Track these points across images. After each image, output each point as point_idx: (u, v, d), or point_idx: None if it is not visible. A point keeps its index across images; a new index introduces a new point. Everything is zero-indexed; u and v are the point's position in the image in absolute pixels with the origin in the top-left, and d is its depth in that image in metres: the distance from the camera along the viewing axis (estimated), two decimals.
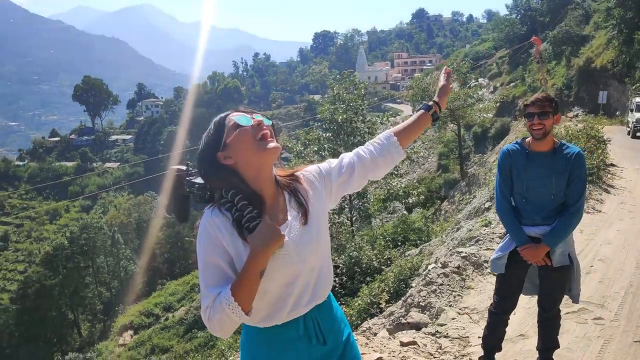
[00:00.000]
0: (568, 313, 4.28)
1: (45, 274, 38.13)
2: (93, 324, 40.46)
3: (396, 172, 15.12)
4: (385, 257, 9.38)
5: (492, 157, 20.35)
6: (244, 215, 1.50)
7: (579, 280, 3.10)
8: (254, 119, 1.58)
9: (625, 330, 3.99)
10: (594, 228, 6.80)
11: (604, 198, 8.38)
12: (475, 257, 5.65)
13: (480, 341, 3.49)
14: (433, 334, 4.27)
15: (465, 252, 5.80)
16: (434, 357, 3.90)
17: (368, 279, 8.36)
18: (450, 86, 2.07)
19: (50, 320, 36.41)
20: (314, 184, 1.71)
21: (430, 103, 1.95)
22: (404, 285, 6.51)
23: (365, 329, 5.25)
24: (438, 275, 5.36)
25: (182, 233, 45.81)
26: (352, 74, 16.24)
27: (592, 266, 5.38)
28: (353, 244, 10.25)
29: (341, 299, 7.81)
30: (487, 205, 9.06)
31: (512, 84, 37.31)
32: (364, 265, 8.94)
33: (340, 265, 8.92)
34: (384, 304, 6.27)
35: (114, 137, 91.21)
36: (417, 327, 4.55)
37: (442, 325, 4.42)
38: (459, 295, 5.05)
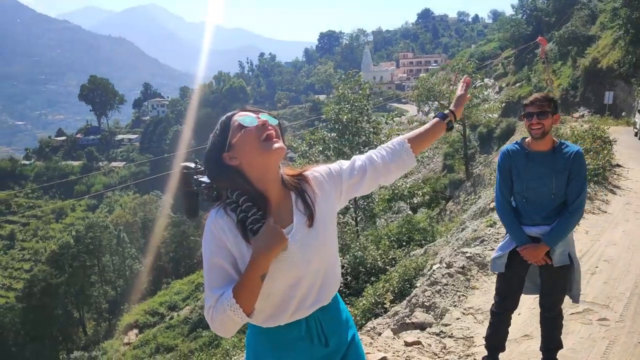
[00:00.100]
0: (573, 314, 4.27)
1: (51, 273, 38.38)
2: (98, 322, 40.65)
3: None
4: (390, 257, 9.38)
5: (498, 157, 20.28)
6: (248, 216, 1.49)
7: (579, 280, 3.10)
8: (259, 118, 1.56)
9: (630, 331, 3.98)
10: (599, 229, 6.77)
11: (610, 199, 8.34)
12: (480, 257, 5.64)
13: (484, 341, 3.50)
14: (437, 334, 4.27)
15: (470, 253, 5.79)
16: (439, 357, 3.90)
17: (372, 278, 8.36)
18: (468, 96, 2.06)
19: (55, 319, 36.63)
20: (323, 184, 1.69)
21: (446, 112, 1.96)
22: (408, 286, 6.51)
23: (369, 328, 5.25)
24: (443, 275, 5.36)
25: (188, 232, 45.98)
26: (357, 74, 16.25)
27: (597, 267, 5.36)
28: (358, 243, 10.25)
29: (345, 298, 7.81)
30: (492, 205, 9.04)
31: (517, 84, 37.22)
32: (369, 265, 8.94)
33: (345, 265, 8.92)
34: (389, 304, 6.27)
35: (120, 137, 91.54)
36: (422, 327, 4.55)
37: (446, 325, 4.42)
38: (463, 295, 5.04)
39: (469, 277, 5.34)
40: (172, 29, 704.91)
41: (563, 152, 2.89)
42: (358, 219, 14.09)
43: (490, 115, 23.26)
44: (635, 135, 17.79)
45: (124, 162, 78.67)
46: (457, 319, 4.52)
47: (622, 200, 8.32)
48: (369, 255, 9.23)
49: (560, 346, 3.22)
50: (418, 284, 6.00)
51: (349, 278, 8.65)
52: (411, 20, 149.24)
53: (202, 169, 1.66)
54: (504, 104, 28.77)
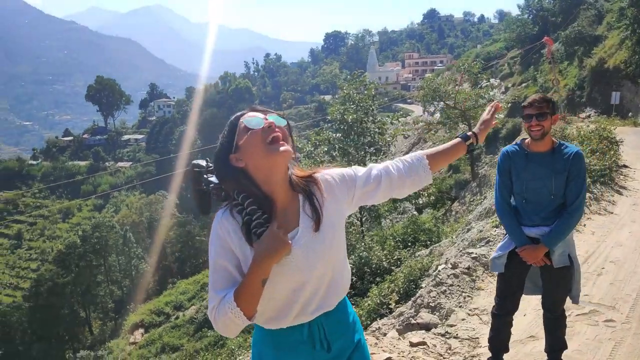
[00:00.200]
0: (579, 315, 4.26)
1: (58, 272, 38.58)
2: (104, 322, 40.81)
3: None
4: (395, 257, 9.38)
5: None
6: (252, 220, 1.49)
7: (579, 281, 3.10)
8: (266, 120, 1.55)
9: (636, 332, 3.97)
10: (605, 230, 6.75)
11: (616, 200, 8.30)
12: (486, 258, 5.64)
13: (487, 343, 3.51)
14: (443, 335, 4.28)
15: (476, 253, 5.79)
16: (444, 358, 3.91)
17: (378, 279, 8.37)
18: (495, 122, 2.03)
19: (62, 318, 36.81)
20: (333, 188, 1.66)
21: (469, 133, 1.93)
22: (413, 286, 6.51)
23: (374, 329, 5.27)
24: (448, 276, 5.37)
25: (193, 232, 46.14)
26: (362, 74, 16.24)
27: (603, 268, 5.34)
28: (363, 244, 10.26)
29: (351, 299, 7.81)
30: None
31: (523, 85, 37.08)
32: (374, 266, 8.95)
33: (350, 265, 8.91)
34: (394, 304, 6.28)
35: (126, 137, 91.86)
36: (427, 327, 4.56)
37: (451, 326, 4.43)
38: (469, 296, 5.05)
39: (474, 277, 5.34)
40: (178, 29, 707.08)
41: (562, 153, 2.90)
42: (363, 219, 14.09)
43: (496, 115, 23.16)
44: None
45: (130, 162, 78.96)
46: (463, 319, 4.52)
47: (629, 201, 8.27)
48: (374, 255, 9.23)
49: (565, 347, 3.22)
50: (423, 285, 6.01)
51: (354, 278, 8.66)
52: (417, 21, 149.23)
53: (212, 168, 1.66)
54: (509, 104, 28.64)
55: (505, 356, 3.40)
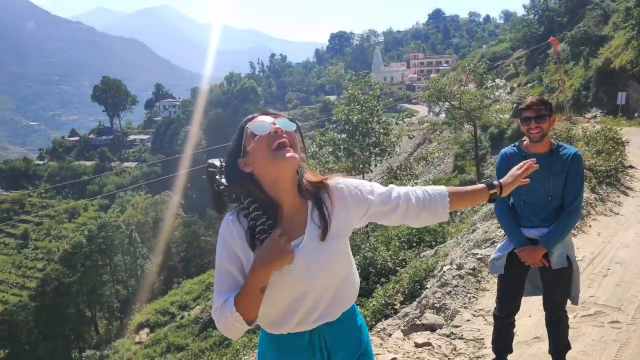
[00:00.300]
0: (584, 316, 4.26)
1: (64, 272, 38.70)
2: (110, 321, 40.94)
3: (411, 173, 15.09)
4: (400, 258, 9.37)
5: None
6: (257, 225, 1.49)
7: (578, 283, 3.11)
8: (274, 124, 1.53)
9: None
10: (611, 231, 6.73)
11: (622, 200, 8.28)
12: None
13: (491, 345, 3.51)
14: (448, 336, 4.28)
15: (481, 254, 5.79)
16: (449, 359, 3.91)
17: (382, 279, 8.36)
18: (525, 180, 1.93)
19: (68, 318, 36.94)
20: (346, 199, 1.63)
21: (495, 182, 1.86)
22: (418, 287, 6.51)
23: (379, 329, 5.28)
24: (453, 276, 5.37)
25: (198, 232, 46.23)
26: (367, 74, 16.24)
27: (609, 269, 5.33)
28: (368, 244, 10.26)
29: (356, 300, 7.80)
30: None
31: (529, 85, 36.93)
32: (379, 266, 8.94)
33: (355, 264, 8.92)
34: (399, 305, 6.28)
35: (132, 137, 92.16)
36: (432, 328, 4.57)
37: (456, 326, 4.43)
38: (474, 297, 5.05)
39: (479, 278, 5.34)
40: (184, 29, 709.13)
41: (561, 154, 2.92)
42: None
43: (501, 116, 23.11)
44: None
45: (136, 163, 79.22)
46: (468, 320, 4.53)
47: (635, 202, 8.25)
48: (379, 256, 9.23)
49: (568, 348, 3.22)
50: (428, 285, 6.01)
51: (359, 278, 8.64)
52: (422, 21, 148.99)
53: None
54: (515, 105, 28.56)
55: (509, 357, 3.40)
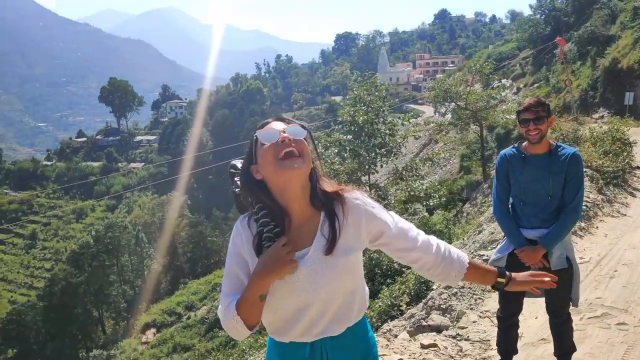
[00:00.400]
0: (591, 318, 4.25)
1: (72, 272, 38.93)
2: (117, 321, 41.11)
3: (417, 174, 15.08)
4: None
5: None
6: (264, 232, 1.49)
7: (579, 284, 3.10)
8: (282, 133, 1.51)
9: None
10: (618, 232, 6.70)
11: (630, 202, 8.24)
12: None
13: (496, 347, 3.51)
14: (454, 337, 4.28)
15: (487, 255, 5.78)
16: None
17: (388, 280, 8.37)
18: (534, 290, 1.78)
19: (75, 318, 37.12)
20: (360, 216, 1.57)
21: (508, 274, 1.74)
22: (424, 288, 6.51)
23: (385, 330, 5.28)
24: None
25: (205, 232, 46.35)
26: (373, 75, 16.24)
27: (616, 271, 5.31)
28: None
29: None
30: None
31: (535, 85, 36.78)
32: (385, 267, 8.94)
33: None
34: (405, 306, 6.28)
35: (138, 138, 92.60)
36: (438, 329, 4.57)
37: (463, 328, 4.43)
38: (480, 298, 5.04)
39: None
40: (190, 31, 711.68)
41: (559, 155, 2.92)
42: None
43: (507, 116, 23.04)
44: None
45: (143, 163, 79.55)
46: (474, 322, 4.53)
47: None
48: (385, 257, 9.23)
49: (574, 349, 3.21)
50: (434, 287, 6.01)
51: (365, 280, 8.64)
52: (428, 21, 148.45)
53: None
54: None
55: (515, 358, 3.40)
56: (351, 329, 1.61)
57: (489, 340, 4.13)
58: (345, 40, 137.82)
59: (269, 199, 1.52)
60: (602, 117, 23.50)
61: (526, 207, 3.00)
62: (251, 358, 10.30)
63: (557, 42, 26.84)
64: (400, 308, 6.27)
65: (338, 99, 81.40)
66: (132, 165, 79.87)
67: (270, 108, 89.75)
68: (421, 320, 4.88)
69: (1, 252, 57.82)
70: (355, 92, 14.62)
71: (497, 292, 5.01)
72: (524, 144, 3.03)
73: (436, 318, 4.76)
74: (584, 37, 31.97)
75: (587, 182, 8.26)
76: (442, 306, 5.02)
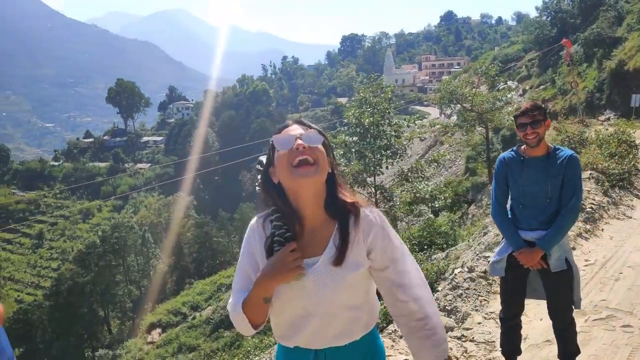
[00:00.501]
0: (596, 320, 4.26)
1: (78, 272, 39.12)
2: (122, 321, 41.21)
3: (423, 175, 15.07)
4: None
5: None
6: (275, 234, 1.49)
7: (579, 286, 3.11)
8: (298, 139, 1.49)
9: None
10: (624, 234, 6.69)
11: (635, 204, 8.21)
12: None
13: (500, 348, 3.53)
14: (459, 338, 4.29)
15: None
16: None
17: None
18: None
19: (81, 317, 37.22)
20: (370, 231, 1.53)
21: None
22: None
23: (391, 331, 5.29)
24: (464, 279, 5.37)
25: (210, 233, 46.49)
26: (379, 77, 16.22)
27: (621, 273, 5.30)
28: None
29: None
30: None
31: (541, 87, 36.67)
32: None
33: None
34: None
35: (145, 139, 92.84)
36: None
37: (468, 329, 4.44)
38: (485, 299, 5.05)
39: (490, 281, 5.34)
40: (197, 32, 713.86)
41: (557, 157, 2.94)
42: None
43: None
44: None
45: (149, 164, 79.70)
46: (479, 323, 4.53)
47: None
48: None
49: (578, 352, 3.21)
50: (439, 288, 6.01)
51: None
52: (434, 23, 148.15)
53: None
54: None
55: (519, 359, 3.42)
56: (357, 342, 1.57)
57: (493, 341, 4.14)
58: (351, 42, 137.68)
59: (284, 203, 1.52)
60: (609, 119, 23.39)
61: (525, 210, 3.02)
62: (256, 358, 10.33)
63: (563, 44, 26.78)
64: None
65: (344, 100, 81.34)
66: (139, 165, 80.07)
67: (276, 109, 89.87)
68: None
69: (8, 251, 58.13)
70: (361, 94, 14.61)
71: None
72: (522, 147, 3.06)
73: (441, 319, 4.76)
74: (590, 39, 31.86)
75: (592, 185, 8.26)
76: (447, 307, 5.04)
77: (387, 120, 14.19)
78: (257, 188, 1.62)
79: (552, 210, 2.96)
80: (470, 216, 17.92)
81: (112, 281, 40.66)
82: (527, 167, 2.99)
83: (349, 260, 1.49)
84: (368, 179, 13.91)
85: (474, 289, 5.21)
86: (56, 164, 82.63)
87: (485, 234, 8.31)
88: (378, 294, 1.66)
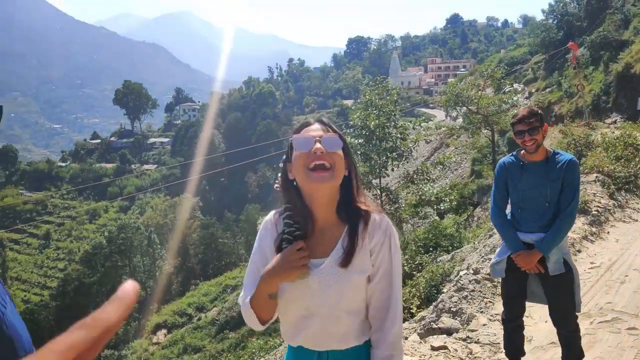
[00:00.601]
0: (601, 322, 4.26)
1: (84, 272, 39.29)
2: (128, 322, 41.28)
3: (428, 178, 15.06)
4: (417, 262, 9.40)
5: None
6: (285, 232, 1.50)
7: (579, 289, 3.11)
8: (317, 141, 1.49)
9: None
10: (629, 237, 6.68)
11: None
12: None
13: (503, 349, 3.55)
14: (464, 340, 4.31)
15: None
16: None
17: None
18: None
19: None
20: (373, 235, 1.53)
21: None
22: (435, 291, 6.54)
23: None
24: (470, 281, 5.39)
25: (216, 234, 46.53)
26: (385, 79, 16.23)
27: (627, 276, 5.30)
28: None
29: None
30: None
31: (548, 90, 36.57)
32: None
33: None
34: (415, 309, 6.32)
35: (152, 140, 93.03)
36: (448, 332, 4.59)
37: (473, 331, 4.46)
38: (490, 301, 5.06)
39: (495, 283, 5.35)
40: (204, 35, 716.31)
41: (556, 162, 2.96)
42: None
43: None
44: None
45: (156, 165, 79.88)
46: (484, 325, 4.55)
47: None
48: None
49: (582, 356, 3.20)
50: (445, 290, 6.03)
51: None
52: (440, 26, 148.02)
53: None
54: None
55: None
56: (361, 346, 1.56)
57: (498, 343, 4.16)
58: (357, 45, 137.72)
59: (298, 200, 1.53)
60: (615, 122, 23.29)
61: (525, 214, 3.05)
62: None
63: (570, 47, 26.66)
64: (411, 311, 6.31)
65: (349, 102, 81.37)
66: (145, 167, 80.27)
67: (282, 111, 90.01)
68: (431, 323, 4.92)
69: (16, 251, 58.42)
70: (367, 96, 14.62)
71: None
72: (522, 151, 3.08)
73: (446, 321, 4.79)
74: (597, 42, 31.78)
75: (598, 187, 8.24)
76: (452, 309, 5.05)
77: (393, 123, 14.20)
78: (275, 186, 1.63)
79: (551, 214, 2.98)
80: (475, 218, 17.89)
81: (118, 282, 40.14)
82: (526, 172, 3.01)
83: (355, 263, 1.49)
84: (374, 181, 13.92)
85: (479, 291, 5.22)
86: (63, 164, 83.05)
87: (490, 236, 8.31)
88: None
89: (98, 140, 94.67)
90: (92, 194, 71.11)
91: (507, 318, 3.30)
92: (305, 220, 1.52)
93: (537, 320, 4.34)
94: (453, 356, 3.99)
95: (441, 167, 17.13)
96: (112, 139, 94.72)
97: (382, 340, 1.52)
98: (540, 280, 3.10)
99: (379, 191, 13.68)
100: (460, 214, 19.43)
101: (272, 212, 1.63)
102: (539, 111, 3.03)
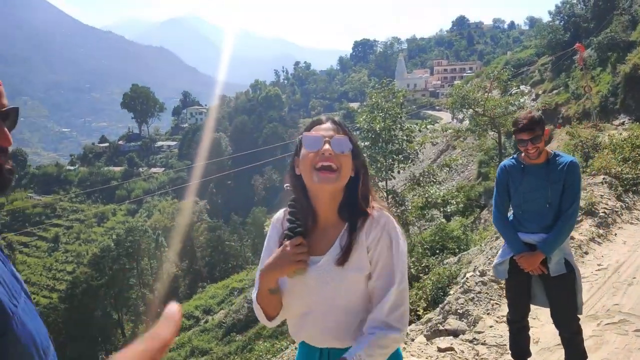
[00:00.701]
0: (608, 324, 4.26)
1: (92, 275, 39.41)
2: (136, 324, 41.47)
3: (435, 180, 15.05)
4: (423, 264, 9.40)
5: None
6: (288, 228, 1.52)
7: (581, 290, 3.11)
8: (327, 141, 1.49)
9: None
10: (637, 239, 6.65)
11: None
12: None
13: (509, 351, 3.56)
14: (470, 341, 4.32)
15: None
16: None
17: None
18: None
19: (95, 320, 37.54)
20: (370, 231, 1.52)
21: None
22: (441, 293, 6.55)
23: None
24: (476, 283, 5.40)
25: (223, 237, 46.63)
26: (391, 82, 16.23)
27: (634, 277, 5.28)
28: None
29: None
30: None
31: (554, 91, 36.40)
32: None
33: None
34: (422, 311, 6.33)
35: (159, 143, 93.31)
36: (455, 334, 4.61)
37: (479, 332, 4.47)
38: (497, 303, 5.07)
39: (502, 285, 5.36)
40: (211, 38, 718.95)
41: (557, 164, 2.97)
42: None
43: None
44: None
45: (163, 168, 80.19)
46: (490, 326, 4.56)
47: None
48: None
49: (585, 357, 3.21)
50: (451, 292, 6.04)
51: None
52: (446, 28, 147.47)
53: None
54: (540, 112, 28.20)
55: None
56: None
57: (505, 344, 4.16)
58: (363, 47, 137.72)
59: (303, 195, 1.55)
60: (623, 123, 23.16)
61: (526, 215, 3.07)
62: None
63: (577, 49, 26.57)
64: (418, 312, 6.32)
65: (355, 105, 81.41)
66: (153, 170, 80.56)
67: (288, 114, 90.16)
68: (438, 325, 4.93)
69: (25, 254, 58.76)
70: (373, 99, 14.63)
71: None
72: (523, 154, 3.09)
73: (453, 322, 4.80)
74: (604, 43, 31.62)
75: (606, 189, 8.21)
76: (459, 311, 5.06)
77: (399, 125, 14.18)
78: (285, 186, 1.64)
79: (552, 216, 2.99)
80: (482, 221, 17.86)
81: (125, 284, 40.95)
82: (527, 175, 3.03)
83: (352, 261, 1.49)
84: (380, 184, 13.92)
85: (486, 293, 5.23)
86: (72, 168, 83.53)
87: (497, 238, 8.30)
88: None
89: (106, 144, 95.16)
90: (100, 197, 71.50)
91: (512, 319, 3.32)
92: (306, 217, 1.54)
93: (544, 322, 4.34)
94: (460, 357, 4.01)
95: (448, 169, 17.11)
96: (120, 142, 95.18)
97: (372, 319, 1.47)
98: (542, 282, 3.11)
99: (385, 193, 13.68)
100: (467, 216, 19.40)
101: (281, 210, 1.67)
102: (540, 117, 3.02)
